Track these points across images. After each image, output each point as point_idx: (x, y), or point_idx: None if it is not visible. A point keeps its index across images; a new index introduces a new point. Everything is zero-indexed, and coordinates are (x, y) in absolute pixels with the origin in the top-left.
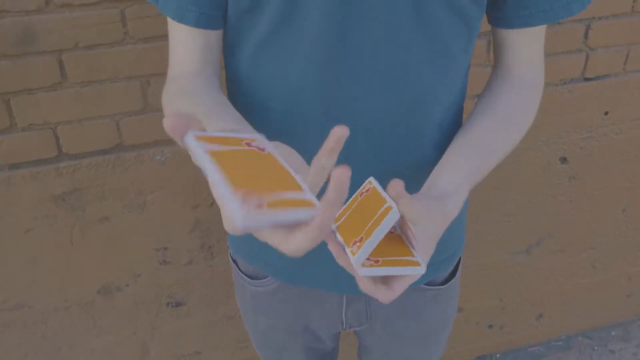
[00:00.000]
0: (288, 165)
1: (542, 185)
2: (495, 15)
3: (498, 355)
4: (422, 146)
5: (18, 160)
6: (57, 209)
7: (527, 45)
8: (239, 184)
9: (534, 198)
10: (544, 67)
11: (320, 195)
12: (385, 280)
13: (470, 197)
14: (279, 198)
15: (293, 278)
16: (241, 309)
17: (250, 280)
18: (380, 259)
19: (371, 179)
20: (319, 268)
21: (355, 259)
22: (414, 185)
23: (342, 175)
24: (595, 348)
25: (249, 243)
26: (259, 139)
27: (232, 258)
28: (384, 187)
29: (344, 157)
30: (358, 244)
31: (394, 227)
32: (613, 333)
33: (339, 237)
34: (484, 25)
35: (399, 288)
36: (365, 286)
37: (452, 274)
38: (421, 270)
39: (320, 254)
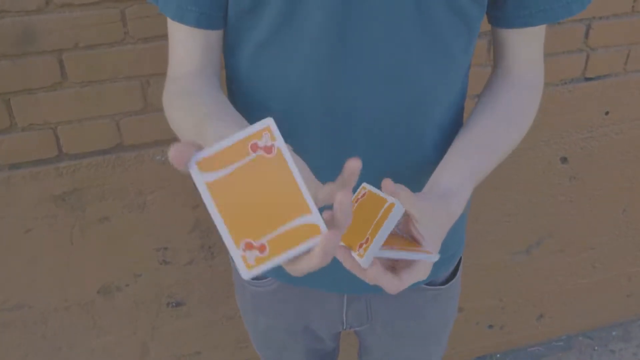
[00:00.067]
0: (296, 166)
1: (543, 185)
2: (496, 15)
3: (498, 356)
4: (422, 146)
5: (18, 160)
6: (57, 209)
7: (527, 45)
8: (240, 231)
9: (534, 198)
10: (544, 67)
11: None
12: (395, 269)
13: (471, 197)
14: (283, 232)
15: (293, 278)
16: (241, 309)
17: (250, 280)
18: (391, 246)
19: (364, 184)
20: (320, 268)
21: (364, 260)
22: (414, 185)
23: (345, 199)
24: (596, 348)
25: None
26: (266, 135)
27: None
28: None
29: (344, 157)
30: (365, 245)
31: (395, 230)
32: (613, 333)
33: (342, 244)
34: (484, 25)
35: (407, 279)
36: (373, 273)
37: (453, 274)
38: (434, 257)
39: None
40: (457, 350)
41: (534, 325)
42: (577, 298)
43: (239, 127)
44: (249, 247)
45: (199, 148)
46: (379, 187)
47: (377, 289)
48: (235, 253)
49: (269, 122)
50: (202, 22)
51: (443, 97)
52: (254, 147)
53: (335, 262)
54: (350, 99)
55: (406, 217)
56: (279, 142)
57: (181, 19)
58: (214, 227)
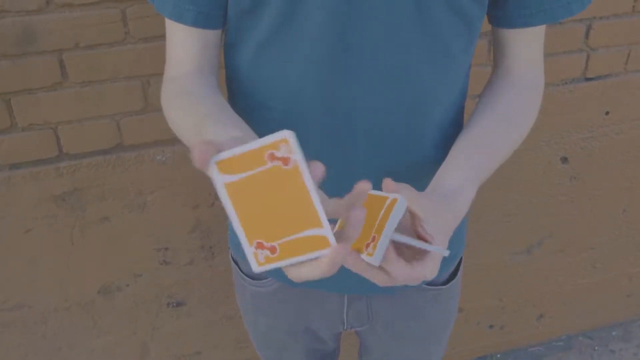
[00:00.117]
0: (311, 181)
1: (543, 185)
2: (496, 15)
3: (499, 356)
4: (422, 146)
5: (18, 160)
6: (58, 209)
7: (527, 45)
8: (253, 232)
9: (534, 198)
10: (545, 67)
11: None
12: (408, 257)
13: None
14: (294, 239)
15: None
16: (241, 309)
17: (250, 280)
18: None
19: None
20: None
21: (375, 258)
22: (414, 185)
23: (360, 215)
24: (596, 348)
25: None
26: (283, 147)
27: (232, 258)
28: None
29: (344, 157)
30: (372, 243)
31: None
32: (614, 333)
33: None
34: (485, 25)
35: (419, 270)
36: (388, 265)
37: (453, 274)
38: (445, 252)
39: None
40: (458, 350)
41: (534, 325)
42: (578, 298)
43: (238, 129)
44: (260, 246)
45: (219, 149)
46: (378, 186)
47: (377, 289)
48: (248, 249)
49: (286, 135)
50: (200, 21)
51: (443, 97)
52: (271, 157)
53: None
54: (350, 99)
55: (412, 218)
56: (298, 155)
57: (178, 19)
58: (214, 227)
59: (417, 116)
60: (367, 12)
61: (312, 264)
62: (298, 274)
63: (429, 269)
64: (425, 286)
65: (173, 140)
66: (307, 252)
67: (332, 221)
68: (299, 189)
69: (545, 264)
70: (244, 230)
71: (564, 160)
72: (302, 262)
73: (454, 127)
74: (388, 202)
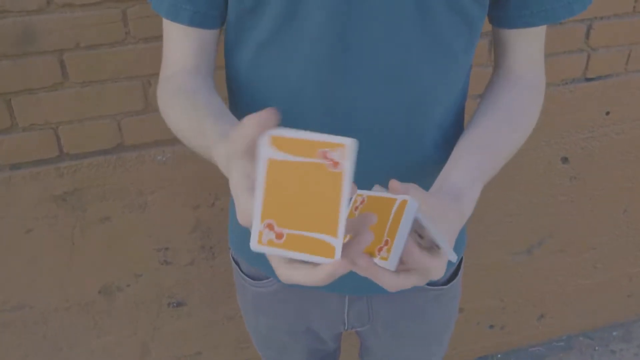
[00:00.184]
0: (348, 193)
1: (543, 186)
2: (497, 15)
3: (499, 356)
4: (423, 146)
5: (19, 160)
6: (58, 209)
7: (528, 45)
8: (271, 211)
9: (535, 198)
10: (545, 67)
11: None
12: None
13: None
14: (305, 235)
15: None
16: (242, 310)
17: (251, 281)
18: None
19: (358, 191)
20: None
21: (390, 262)
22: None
23: (368, 239)
24: (597, 348)
25: None
26: (339, 151)
27: (233, 259)
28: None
29: None
30: (385, 247)
31: None
32: (614, 333)
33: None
34: (485, 25)
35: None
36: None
37: (454, 275)
38: (452, 256)
39: None
40: (458, 350)
41: (535, 325)
42: (578, 298)
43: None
44: (269, 227)
45: (277, 124)
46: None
47: (378, 290)
48: (256, 225)
49: (348, 143)
50: (196, 20)
51: (444, 97)
52: (323, 155)
53: None
54: (350, 99)
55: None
56: (348, 165)
57: (175, 18)
58: (215, 227)
59: (417, 116)
60: (367, 12)
61: (309, 269)
62: (289, 275)
63: (437, 270)
64: (426, 286)
65: (173, 141)
66: (310, 253)
67: None
68: (332, 194)
69: (546, 264)
70: (262, 206)
71: (565, 160)
72: (297, 264)
73: (455, 127)
74: (397, 203)
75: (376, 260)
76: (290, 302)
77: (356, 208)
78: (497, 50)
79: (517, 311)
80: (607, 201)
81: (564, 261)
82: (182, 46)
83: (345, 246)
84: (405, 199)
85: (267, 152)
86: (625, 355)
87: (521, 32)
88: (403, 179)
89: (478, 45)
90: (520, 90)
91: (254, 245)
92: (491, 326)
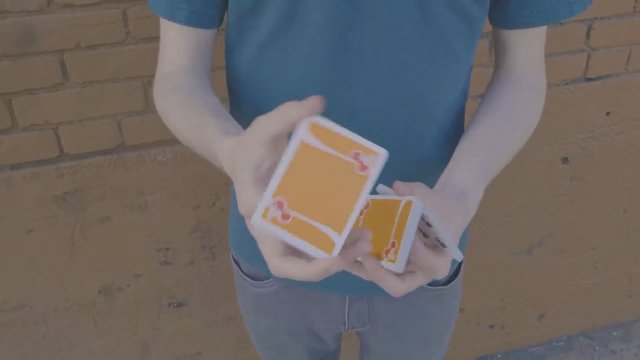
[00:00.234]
0: (366, 198)
1: (544, 186)
2: (497, 16)
3: (499, 356)
4: (423, 146)
5: (19, 160)
6: (58, 209)
7: (528, 46)
8: (286, 190)
9: (535, 198)
10: (546, 67)
11: None
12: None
13: None
14: (310, 224)
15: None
16: (242, 310)
17: (251, 281)
18: None
19: None
20: None
21: (398, 264)
22: None
23: (366, 248)
24: (597, 348)
25: (252, 244)
26: (370, 157)
27: (233, 259)
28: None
29: None
30: (393, 249)
31: None
32: (614, 333)
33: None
34: (485, 26)
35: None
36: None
37: (454, 275)
38: (458, 256)
39: None
40: (458, 350)
41: (535, 325)
42: (578, 298)
43: (235, 129)
44: (279, 205)
45: (319, 113)
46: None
47: (378, 290)
48: (265, 200)
49: (382, 152)
50: (193, 20)
51: (444, 97)
52: (355, 155)
53: None
54: (350, 99)
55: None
56: (375, 172)
57: (171, 17)
58: (215, 227)
59: (417, 116)
60: (367, 12)
61: (303, 264)
62: (282, 269)
63: (443, 266)
64: (427, 286)
65: (174, 141)
66: (310, 243)
67: None
68: (351, 194)
69: (546, 264)
70: (279, 183)
71: (565, 160)
72: (292, 257)
73: (455, 127)
74: (402, 205)
75: (383, 263)
76: (291, 303)
77: (361, 212)
78: (498, 50)
79: (517, 311)
80: (607, 201)
81: (564, 261)
82: (179, 46)
83: (343, 248)
84: (410, 200)
85: (303, 134)
86: (625, 355)
87: (521, 32)
88: (403, 178)
89: (479, 45)
90: (521, 91)
91: (257, 219)
92: (491, 326)
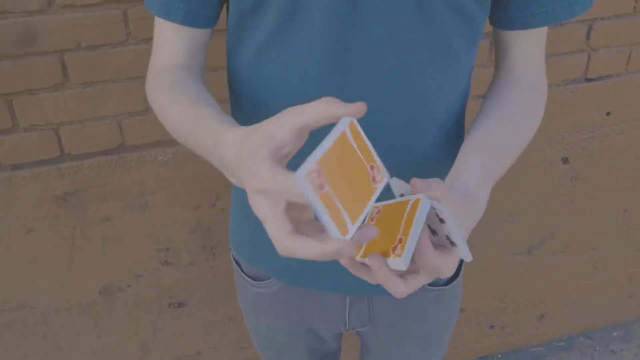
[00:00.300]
0: (371, 207)
1: (544, 186)
2: (497, 17)
3: (499, 356)
4: (423, 146)
5: (20, 160)
6: (59, 209)
7: (528, 46)
8: (326, 165)
9: (535, 198)
10: (546, 67)
11: None
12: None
13: None
14: (335, 202)
15: (296, 279)
16: (243, 310)
17: (252, 281)
18: None
19: (374, 204)
20: (322, 269)
21: (403, 259)
22: None
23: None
24: (597, 348)
25: (252, 244)
26: (380, 177)
27: (234, 259)
28: (388, 193)
29: None
30: (399, 245)
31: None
32: (615, 333)
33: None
34: (486, 26)
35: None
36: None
37: (455, 275)
38: (467, 256)
39: None
40: (458, 350)
41: (535, 325)
42: (578, 298)
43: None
44: (319, 174)
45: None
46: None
47: (379, 290)
48: (311, 161)
49: (386, 177)
50: (189, 19)
51: (445, 97)
52: (371, 168)
53: (336, 263)
54: (350, 99)
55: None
56: (379, 189)
57: (166, 16)
58: (215, 227)
59: (418, 116)
60: (367, 12)
61: (314, 242)
62: (290, 246)
63: (448, 268)
64: (427, 287)
65: (174, 141)
66: (331, 218)
67: None
68: (364, 197)
69: (546, 264)
70: (322, 156)
71: (565, 160)
72: (302, 237)
73: (456, 127)
74: (411, 203)
75: (390, 259)
76: (291, 303)
77: (372, 219)
78: (498, 51)
79: (517, 311)
80: (608, 201)
81: (564, 261)
82: (174, 45)
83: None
84: (418, 198)
85: (345, 128)
86: (625, 355)
87: (522, 33)
88: (404, 178)
89: (479, 45)
90: (521, 91)
91: (301, 175)
92: (491, 326)
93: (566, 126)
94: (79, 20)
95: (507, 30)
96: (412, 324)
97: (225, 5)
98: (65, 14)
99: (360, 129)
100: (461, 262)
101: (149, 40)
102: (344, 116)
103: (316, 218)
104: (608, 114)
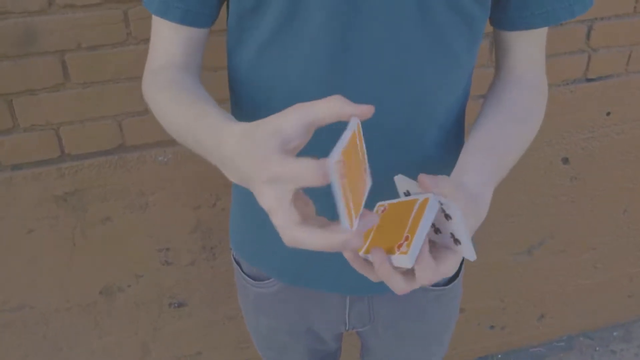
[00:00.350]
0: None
1: (544, 186)
2: (497, 17)
3: (499, 356)
4: (423, 146)
5: (20, 160)
6: (59, 209)
7: (528, 47)
8: (348, 155)
9: (536, 199)
10: (546, 67)
11: None
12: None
13: None
14: (347, 193)
15: (296, 279)
16: (243, 310)
17: (252, 281)
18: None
19: (379, 203)
20: (323, 269)
21: (409, 257)
22: None
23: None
24: (597, 348)
25: (252, 244)
26: (369, 179)
27: (234, 259)
28: (386, 193)
29: None
30: (406, 242)
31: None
32: (615, 333)
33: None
34: (486, 26)
35: (442, 268)
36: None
37: (455, 275)
38: (471, 255)
39: (323, 255)
40: (458, 350)
41: (535, 325)
42: (578, 298)
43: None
44: (342, 163)
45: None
46: (381, 185)
47: (379, 290)
48: (339, 149)
49: (369, 182)
50: (188, 19)
51: (445, 97)
52: (365, 169)
53: (336, 263)
54: (350, 99)
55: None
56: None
57: (165, 15)
58: (216, 228)
59: (418, 116)
60: (367, 12)
61: (322, 232)
62: (297, 237)
63: (451, 267)
64: (428, 287)
65: (174, 141)
66: (342, 209)
67: None
68: (361, 194)
69: (546, 264)
70: (344, 148)
71: (565, 160)
72: (311, 227)
73: (456, 127)
74: (419, 202)
75: (394, 257)
76: (291, 303)
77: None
78: (498, 51)
79: (517, 311)
80: (608, 201)
81: (564, 261)
82: (172, 44)
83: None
84: (427, 197)
85: (356, 127)
86: (625, 355)
87: (522, 33)
88: None
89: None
90: (521, 91)
91: (332, 161)
92: (492, 326)
93: (566, 126)
94: (79, 20)
95: (508, 30)
96: (412, 324)
97: (225, 5)
98: (66, 14)
99: (361, 131)
100: (462, 262)
101: (149, 40)
102: (352, 116)
103: (320, 213)
104: (608, 114)
